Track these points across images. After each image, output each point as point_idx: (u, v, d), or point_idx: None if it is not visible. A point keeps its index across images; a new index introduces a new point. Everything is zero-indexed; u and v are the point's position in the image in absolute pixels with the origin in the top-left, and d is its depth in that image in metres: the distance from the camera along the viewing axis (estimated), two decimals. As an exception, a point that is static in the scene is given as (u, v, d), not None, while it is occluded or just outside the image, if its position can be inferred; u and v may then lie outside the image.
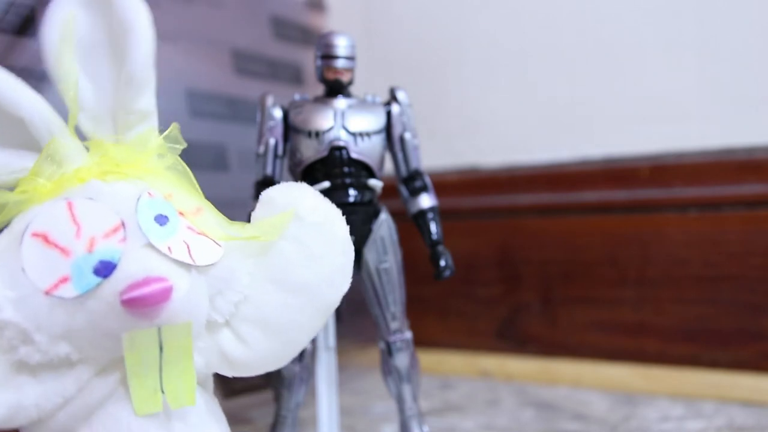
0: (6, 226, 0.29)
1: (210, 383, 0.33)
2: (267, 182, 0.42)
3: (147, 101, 0.31)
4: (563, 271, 0.68)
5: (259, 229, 0.31)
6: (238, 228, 0.32)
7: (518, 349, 0.70)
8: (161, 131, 0.32)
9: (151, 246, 0.28)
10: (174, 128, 0.32)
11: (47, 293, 0.27)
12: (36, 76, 0.47)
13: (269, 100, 0.42)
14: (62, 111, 0.30)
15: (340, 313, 0.43)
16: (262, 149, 0.42)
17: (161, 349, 0.28)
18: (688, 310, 0.62)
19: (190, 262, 0.29)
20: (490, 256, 0.72)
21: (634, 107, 0.66)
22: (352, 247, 0.33)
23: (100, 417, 0.28)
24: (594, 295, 0.66)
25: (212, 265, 0.30)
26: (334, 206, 0.33)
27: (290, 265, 0.31)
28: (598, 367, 0.65)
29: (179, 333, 0.28)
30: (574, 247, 0.67)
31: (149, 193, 0.30)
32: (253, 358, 0.31)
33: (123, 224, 0.28)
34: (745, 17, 0.61)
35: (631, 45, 0.66)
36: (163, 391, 0.28)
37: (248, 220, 0.42)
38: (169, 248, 0.28)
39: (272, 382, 0.43)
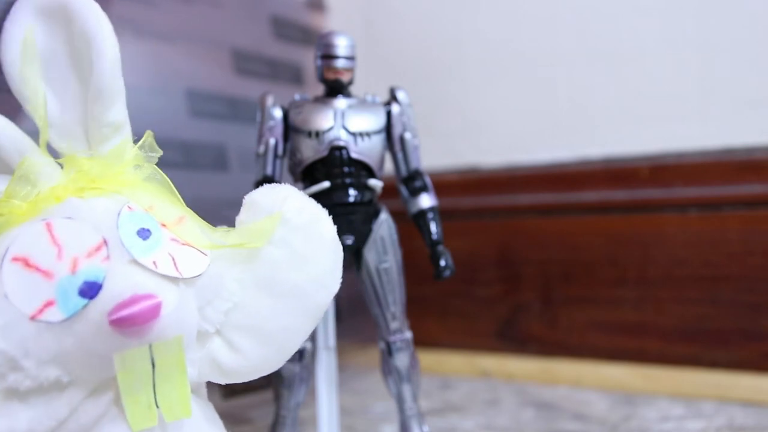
0: None
1: (203, 389, 0.33)
2: (267, 182, 0.42)
3: (118, 113, 0.30)
4: (563, 271, 0.68)
5: (245, 234, 0.31)
6: (222, 234, 0.31)
7: (518, 349, 0.70)
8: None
9: (135, 262, 0.27)
10: (148, 136, 0.31)
11: (33, 318, 0.26)
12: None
13: (269, 100, 0.42)
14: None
15: (340, 313, 0.43)
16: (262, 149, 0.42)
17: (153, 365, 0.28)
18: (688, 310, 0.62)
19: (177, 275, 0.28)
20: (490, 256, 0.72)
21: (634, 107, 0.66)
22: (341, 246, 0.32)
23: None
24: (594, 295, 0.66)
25: (199, 275, 0.29)
26: (319, 206, 0.33)
27: (278, 269, 0.31)
28: (598, 367, 0.65)
29: (171, 348, 0.28)
30: (574, 247, 0.67)
31: (129, 207, 0.29)
32: (245, 365, 0.31)
33: (105, 242, 0.27)
34: (746, 17, 0.61)
35: (631, 45, 0.66)
36: (157, 405, 0.28)
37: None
38: (154, 263, 0.28)
39: (272, 382, 0.43)
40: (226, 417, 0.33)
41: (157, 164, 0.32)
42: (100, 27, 0.29)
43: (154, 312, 0.26)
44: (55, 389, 0.27)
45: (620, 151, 0.67)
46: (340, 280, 0.32)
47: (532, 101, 0.72)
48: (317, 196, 0.41)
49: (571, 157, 0.69)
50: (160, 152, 0.31)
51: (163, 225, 0.30)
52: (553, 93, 0.70)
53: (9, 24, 0.30)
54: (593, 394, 0.62)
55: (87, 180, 0.29)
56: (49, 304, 0.26)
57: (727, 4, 0.62)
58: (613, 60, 0.67)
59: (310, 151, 0.41)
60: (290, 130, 0.42)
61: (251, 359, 0.31)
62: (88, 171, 0.29)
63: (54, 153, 0.30)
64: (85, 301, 0.26)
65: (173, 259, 0.29)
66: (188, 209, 0.31)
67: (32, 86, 0.29)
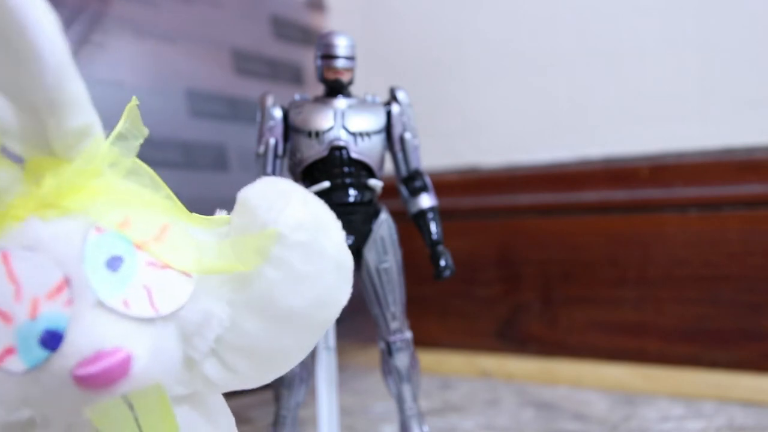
0: None
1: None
2: (267, 182, 0.42)
3: (81, 118, 0.25)
4: (563, 271, 0.68)
5: (239, 251, 0.27)
6: (214, 247, 0.27)
7: (518, 349, 0.70)
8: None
9: (102, 305, 0.24)
10: (125, 119, 0.27)
11: None
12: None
13: (269, 100, 0.42)
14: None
15: (340, 313, 0.43)
16: (262, 149, 0.42)
17: (133, 409, 0.25)
18: (688, 310, 0.62)
19: (153, 314, 0.25)
20: (490, 256, 0.72)
21: (634, 107, 0.66)
22: (348, 257, 0.29)
23: None
24: (594, 295, 0.66)
25: (181, 308, 0.26)
26: (322, 214, 0.29)
27: (274, 290, 0.27)
28: (598, 367, 0.65)
29: (149, 395, 0.25)
30: (574, 247, 0.67)
31: (97, 229, 0.25)
32: (241, 383, 0.28)
33: (67, 281, 0.24)
34: (745, 17, 0.61)
35: (631, 45, 0.66)
36: None
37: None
38: (125, 302, 0.24)
39: (272, 382, 0.43)
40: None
41: (157, 165, 0.29)
42: (38, 24, 0.23)
43: (121, 369, 0.23)
44: (29, 427, 0.25)
45: (620, 151, 0.67)
46: (350, 292, 0.29)
47: (532, 101, 0.72)
48: (317, 196, 0.41)
49: (571, 157, 0.69)
50: (145, 132, 0.27)
51: (138, 246, 0.25)
52: (553, 93, 0.70)
53: None
54: (593, 394, 0.62)
55: (50, 194, 0.25)
56: (8, 351, 0.23)
57: (727, 4, 0.62)
58: (613, 60, 0.67)
59: (310, 151, 0.41)
60: (290, 130, 0.42)
61: (245, 378, 0.28)
62: (53, 182, 0.25)
63: (15, 158, 0.26)
64: (46, 353, 0.23)
65: (149, 292, 0.25)
66: (177, 206, 0.28)
67: None
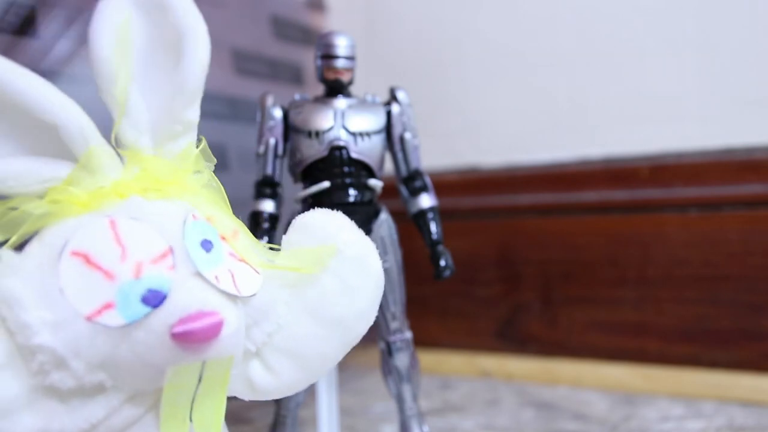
0: (31, 236, 0.27)
1: None
2: (267, 182, 0.42)
3: (194, 112, 0.30)
4: (563, 271, 0.68)
5: (300, 259, 0.31)
6: (270, 253, 0.31)
7: (518, 349, 0.70)
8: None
9: (199, 275, 0.26)
10: (205, 142, 0.31)
11: (89, 319, 0.25)
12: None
13: (269, 100, 0.42)
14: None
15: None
16: (262, 149, 0.42)
17: (200, 380, 0.27)
18: (688, 310, 0.62)
19: (236, 293, 0.27)
20: (490, 256, 0.72)
21: (634, 107, 0.66)
22: (384, 280, 0.33)
23: None
24: (594, 295, 0.66)
25: (253, 295, 0.29)
26: (368, 239, 0.33)
27: (327, 298, 0.31)
28: (598, 367, 0.65)
29: (221, 367, 0.27)
30: (574, 247, 0.67)
31: (194, 216, 0.28)
32: (277, 386, 0.31)
33: (171, 250, 0.26)
34: (745, 17, 0.61)
35: (631, 45, 0.66)
36: (191, 419, 0.27)
37: (250, 220, 0.42)
38: (216, 277, 0.27)
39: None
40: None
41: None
42: (197, 24, 0.29)
43: (216, 330, 0.26)
44: (95, 392, 0.26)
45: (620, 151, 0.67)
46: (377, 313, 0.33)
47: (532, 101, 0.72)
48: (317, 196, 0.41)
49: (571, 157, 0.69)
50: (215, 160, 0.31)
51: (222, 237, 0.29)
52: (553, 93, 0.70)
53: (104, 6, 0.29)
54: (593, 394, 0.62)
55: (151, 180, 0.28)
56: (108, 306, 0.25)
57: (727, 4, 0.62)
58: (613, 60, 0.67)
59: (310, 150, 0.41)
60: (290, 130, 0.42)
61: (285, 381, 0.31)
62: (153, 170, 0.28)
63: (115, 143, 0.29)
64: (147, 309, 0.25)
65: (232, 275, 0.28)
66: (240, 222, 0.31)
67: (118, 72, 0.28)
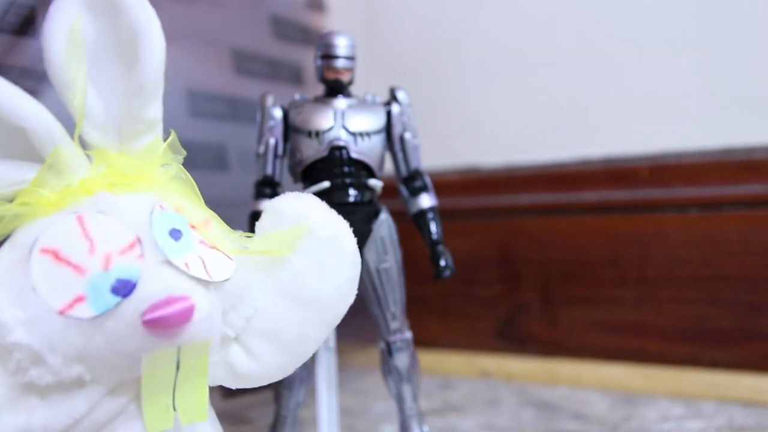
0: (4, 239, 0.27)
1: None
2: (267, 182, 0.42)
3: (156, 110, 0.30)
4: (563, 271, 0.68)
5: (272, 242, 0.31)
6: (244, 239, 0.31)
7: (518, 349, 0.70)
8: (163, 137, 0.31)
9: (168, 262, 0.27)
10: (173, 136, 0.31)
11: (61, 313, 0.25)
12: (35, 77, 0.47)
13: (269, 100, 0.42)
14: (59, 116, 0.29)
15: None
16: (262, 149, 0.42)
17: (178, 367, 0.27)
18: (688, 310, 0.62)
19: (207, 278, 0.28)
20: (490, 256, 0.72)
21: (634, 107, 0.66)
22: (359, 258, 0.33)
23: None
24: (594, 295, 0.66)
25: (227, 280, 0.29)
26: (341, 218, 0.33)
27: (301, 278, 0.31)
28: (598, 367, 0.65)
29: (197, 352, 0.28)
30: (574, 247, 0.67)
31: (161, 206, 0.28)
32: (259, 371, 0.31)
33: (138, 239, 0.27)
34: (745, 17, 0.61)
35: (631, 45, 0.66)
36: (174, 408, 0.28)
37: (250, 220, 0.42)
38: (186, 264, 0.27)
39: (272, 382, 0.43)
40: (226, 417, 0.33)
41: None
42: (150, 22, 0.29)
43: (187, 314, 0.26)
44: (75, 386, 0.26)
45: (620, 151, 0.67)
46: (356, 292, 0.33)
47: (532, 101, 0.72)
48: (317, 196, 0.41)
49: (571, 157, 0.69)
50: (185, 153, 0.31)
51: (192, 226, 0.29)
52: (553, 93, 0.70)
53: (55, 10, 0.29)
54: (593, 394, 0.62)
55: (118, 176, 0.29)
56: (79, 299, 0.25)
57: (727, 4, 0.62)
58: (613, 60, 0.67)
59: (310, 150, 0.41)
60: (290, 130, 0.42)
61: (266, 365, 0.31)
62: (119, 166, 0.29)
63: (83, 145, 0.30)
64: (118, 299, 0.25)
65: (203, 261, 0.28)
66: (211, 211, 0.31)
67: (73, 74, 0.29)
